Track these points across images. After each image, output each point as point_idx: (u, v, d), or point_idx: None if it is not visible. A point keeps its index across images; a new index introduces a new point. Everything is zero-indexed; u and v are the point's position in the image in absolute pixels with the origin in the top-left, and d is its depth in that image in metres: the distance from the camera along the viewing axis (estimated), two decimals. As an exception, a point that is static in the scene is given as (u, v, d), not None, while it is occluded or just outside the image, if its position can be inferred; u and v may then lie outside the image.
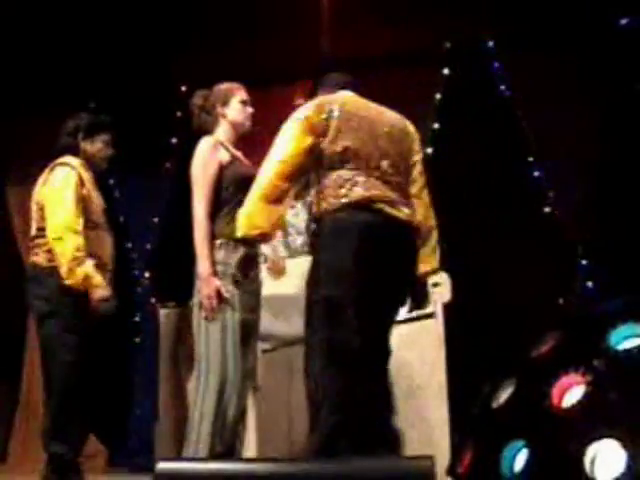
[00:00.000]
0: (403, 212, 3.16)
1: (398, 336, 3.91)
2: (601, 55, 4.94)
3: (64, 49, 5.60)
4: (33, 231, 3.84)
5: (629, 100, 4.91)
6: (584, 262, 4.94)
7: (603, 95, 4.97)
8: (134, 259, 5.84)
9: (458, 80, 5.24)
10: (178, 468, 2.43)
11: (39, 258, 3.78)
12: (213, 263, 3.51)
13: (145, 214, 5.79)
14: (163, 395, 4.77)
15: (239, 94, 3.82)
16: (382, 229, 3.09)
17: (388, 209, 3.11)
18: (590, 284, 4.90)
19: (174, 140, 5.80)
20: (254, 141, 5.68)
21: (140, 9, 5.44)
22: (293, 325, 3.94)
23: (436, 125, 5.29)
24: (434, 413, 3.79)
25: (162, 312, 5.04)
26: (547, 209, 5.06)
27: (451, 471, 2.61)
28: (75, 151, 3.91)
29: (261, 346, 3.93)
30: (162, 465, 2.38)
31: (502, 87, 5.19)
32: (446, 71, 5.28)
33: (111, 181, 5.90)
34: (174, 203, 5.54)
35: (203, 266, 3.50)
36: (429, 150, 5.27)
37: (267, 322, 3.95)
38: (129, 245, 5.87)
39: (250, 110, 3.85)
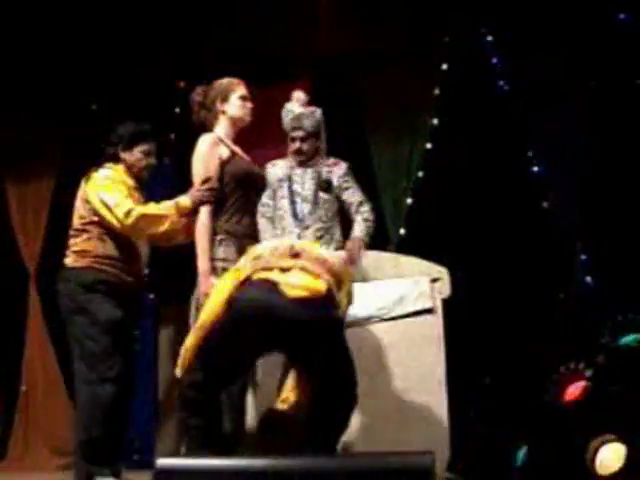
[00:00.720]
0: None
1: (397, 333, 3.92)
2: (601, 50, 4.94)
3: (64, 47, 5.60)
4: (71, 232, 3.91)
5: (629, 95, 4.91)
6: (583, 257, 4.94)
7: (603, 91, 4.97)
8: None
9: (457, 75, 5.23)
10: (178, 465, 2.44)
11: (69, 259, 3.86)
12: (212, 259, 3.52)
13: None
14: (163, 392, 4.77)
15: (238, 89, 3.83)
16: None
17: None
18: (589, 279, 4.90)
19: (173, 136, 5.78)
20: (253, 138, 5.71)
21: (139, 7, 5.44)
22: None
23: (435, 120, 5.28)
24: (433, 410, 3.79)
25: (162, 309, 5.05)
26: (546, 204, 5.06)
27: (451, 467, 2.62)
28: (116, 160, 3.96)
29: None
30: (162, 462, 2.38)
31: (501, 82, 5.18)
32: (445, 66, 5.27)
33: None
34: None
35: (202, 262, 3.50)
36: (428, 145, 5.27)
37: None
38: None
39: (250, 105, 3.86)
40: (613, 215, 4.87)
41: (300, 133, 4.18)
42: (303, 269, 3.13)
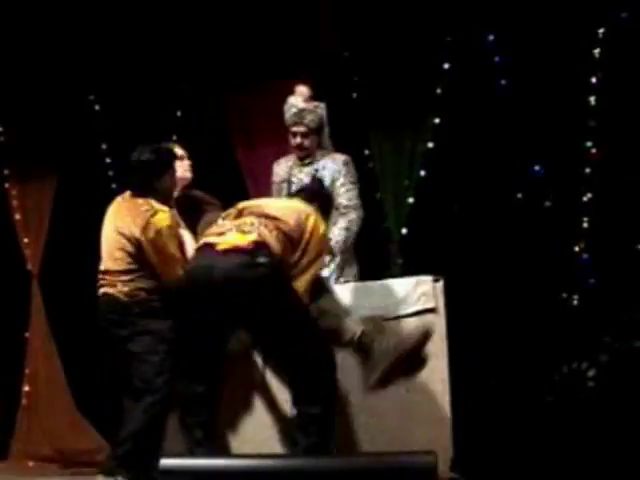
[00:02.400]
0: None
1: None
2: (602, 49, 4.95)
3: (66, 47, 5.61)
4: (113, 265, 3.75)
5: (630, 94, 4.91)
6: (585, 257, 4.94)
7: (603, 89, 4.98)
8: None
9: (459, 75, 5.23)
10: (182, 465, 2.44)
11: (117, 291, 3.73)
12: None
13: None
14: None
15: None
16: None
17: None
18: (590, 278, 4.90)
19: (174, 137, 5.79)
20: (255, 138, 5.72)
21: (140, 9, 5.44)
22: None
23: (437, 120, 5.28)
24: (436, 409, 3.78)
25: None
26: (547, 203, 5.06)
27: (455, 467, 2.62)
28: (148, 191, 3.79)
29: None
30: (167, 462, 2.39)
31: (503, 81, 5.18)
32: (447, 65, 5.27)
33: (113, 185, 5.90)
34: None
35: None
36: (430, 145, 5.27)
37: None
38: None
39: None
40: (615, 214, 4.88)
41: (301, 128, 4.19)
42: (238, 228, 3.45)
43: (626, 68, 4.92)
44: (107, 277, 3.76)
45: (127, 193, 3.84)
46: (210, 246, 3.46)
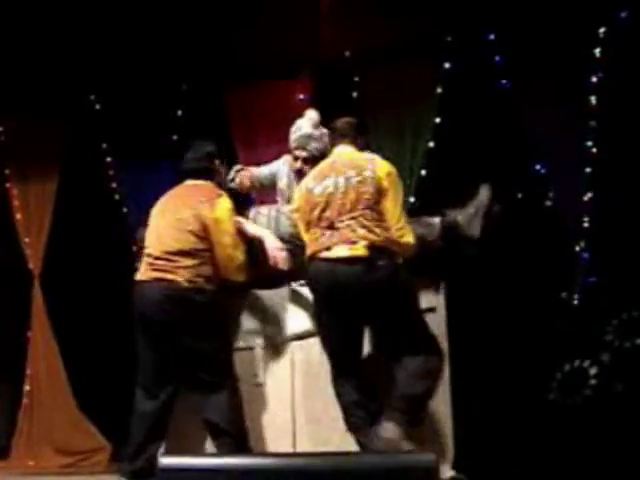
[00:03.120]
0: None
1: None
2: (601, 48, 4.94)
3: (67, 47, 5.61)
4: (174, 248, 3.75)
5: (628, 93, 4.90)
6: (585, 255, 4.94)
7: (603, 88, 4.97)
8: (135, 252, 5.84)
9: (459, 74, 5.23)
10: (181, 463, 2.44)
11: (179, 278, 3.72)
12: None
13: (148, 211, 5.78)
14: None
15: None
16: None
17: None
18: (591, 277, 4.90)
19: (175, 137, 5.80)
20: (255, 137, 5.72)
21: (141, 7, 5.44)
22: (295, 320, 3.94)
23: (437, 119, 5.28)
24: (437, 409, 3.78)
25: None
26: (548, 202, 5.05)
27: (456, 466, 2.62)
28: (210, 175, 3.97)
29: (263, 342, 3.94)
30: (165, 460, 2.38)
31: (503, 81, 5.18)
32: (447, 65, 5.27)
33: (114, 184, 5.91)
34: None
35: None
36: (430, 144, 5.27)
37: (269, 317, 3.95)
38: (131, 239, 5.87)
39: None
40: (616, 213, 4.87)
41: (304, 154, 4.15)
42: (342, 240, 3.57)
43: (627, 68, 4.92)
44: (161, 262, 3.72)
45: (186, 182, 3.93)
46: (322, 259, 3.55)
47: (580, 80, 4.97)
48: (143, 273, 3.78)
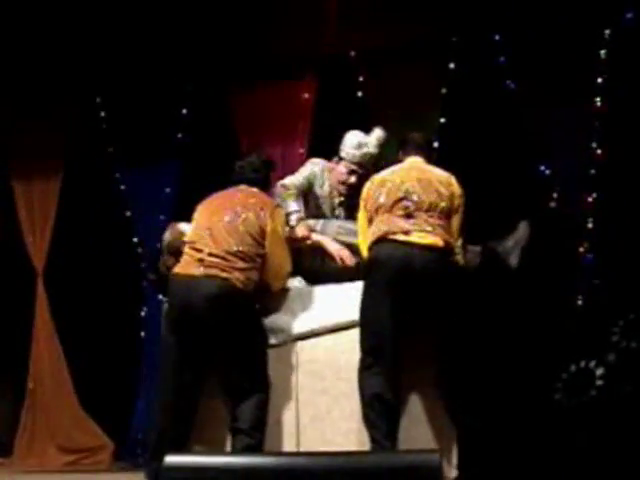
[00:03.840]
0: None
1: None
2: (606, 49, 4.94)
3: (70, 46, 5.62)
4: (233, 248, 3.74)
5: (634, 94, 4.90)
6: (590, 256, 4.93)
7: (608, 89, 4.97)
8: (140, 254, 5.84)
9: (464, 74, 5.22)
10: (185, 462, 2.44)
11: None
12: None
13: (152, 210, 5.79)
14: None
15: None
16: None
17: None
18: (595, 278, 4.89)
19: (180, 136, 5.80)
20: (262, 135, 5.72)
21: (146, 7, 5.45)
22: (300, 320, 3.94)
23: (442, 119, 5.28)
24: (441, 408, 3.78)
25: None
26: (553, 204, 5.05)
27: (460, 465, 2.61)
28: (266, 185, 4.05)
29: (268, 341, 3.94)
30: (170, 459, 2.38)
31: (508, 81, 5.17)
32: (452, 65, 5.27)
33: (117, 175, 5.91)
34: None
35: None
36: (435, 143, 5.26)
37: (274, 316, 3.95)
38: (135, 240, 5.88)
39: None
40: (620, 214, 4.86)
41: (362, 171, 4.14)
42: (421, 228, 3.65)
43: (632, 69, 4.91)
44: (217, 260, 3.69)
45: (241, 187, 3.94)
46: (398, 241, 3.56)
47: (585, 81, 4.96)
48: (190, 268, 3.72)
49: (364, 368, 3.59)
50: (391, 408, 3.53)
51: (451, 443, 3.66)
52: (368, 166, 4.14)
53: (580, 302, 4.81)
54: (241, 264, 3.68)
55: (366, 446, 3.57)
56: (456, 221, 3.69)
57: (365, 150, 4.15)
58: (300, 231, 4.01)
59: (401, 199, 3.64)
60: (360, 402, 3.59)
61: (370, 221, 3.74)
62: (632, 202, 4.86)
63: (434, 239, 3.55)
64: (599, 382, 1.99)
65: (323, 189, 4.28)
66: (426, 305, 3.55)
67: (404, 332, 3.58)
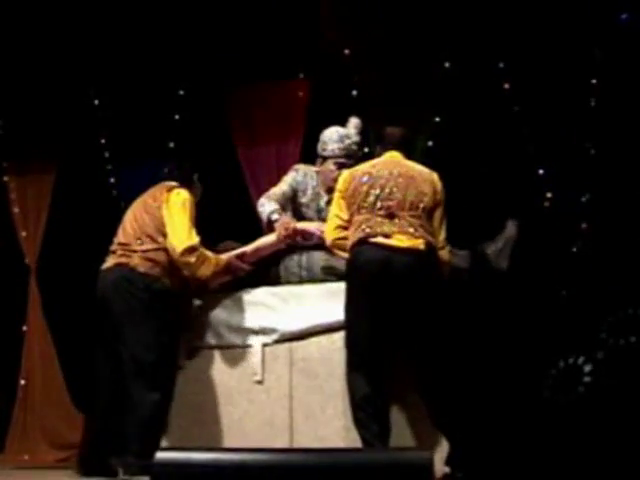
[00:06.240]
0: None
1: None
2: (603, 51, 4.95)
3: (67, 44, 5.62)
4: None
5: (628, 95, 4.91)
6: (583, 253, 4.95)
7: (605, 92, 4.98)
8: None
9: (459, 74, 5.23)
10: (177, 458, 2.44)
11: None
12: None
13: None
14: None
15: None
16: None
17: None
18: (589, 277, 4.90)
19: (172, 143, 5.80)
20: (256, 138, 5.72)
21: (140, 6, 5.44)
22: (294, 319, 3.94)
23: (437, 119, 5.28)
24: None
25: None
26: (547, 204, 5.06)
27: (450, 462, 2.62)
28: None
29: (262, 340, 3.94)
30: (161, 455, 2.38)
31: (503, 82, 5.18)
32: (447, 65, 5.27)
33: (111, 180, 5.90)
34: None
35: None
36: (429, 143, 5.27)
37: (269, 316, 3.96)
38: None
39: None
40: (612, 213, 4.88)
41: (350, 161, 4.09)
42: (402, 231, 3.63)
43: (627, 70, 4.92)
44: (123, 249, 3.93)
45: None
46: (378, 244, 3.54)
47: (580, 82, 4.97)
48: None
49: (349, 371, 3.60)
50: (381, 409, 3.53)
51: (442, 441, 3.67)
52: (354, 155, 4.12)
53: (570, 298, 4.83)
54: (141, 247, 3.88)
55: (359, 444, 3.58)
56: (438, 215, 3.67)
57: (348, 141, 4.13)
58: (283, 224, 4.00)
59: (382, 198, 3.60)
60: (350, 404, 3.59)
61: (349, 214, 3.69)
62: (624, 200, 4.87)
63: (415, 242, 3.53)
64: (587, 379, 1.99)
65: (306, 194, 4.25)
66: (406, 308, 3.53)
67: (387, 333, 3.57)
